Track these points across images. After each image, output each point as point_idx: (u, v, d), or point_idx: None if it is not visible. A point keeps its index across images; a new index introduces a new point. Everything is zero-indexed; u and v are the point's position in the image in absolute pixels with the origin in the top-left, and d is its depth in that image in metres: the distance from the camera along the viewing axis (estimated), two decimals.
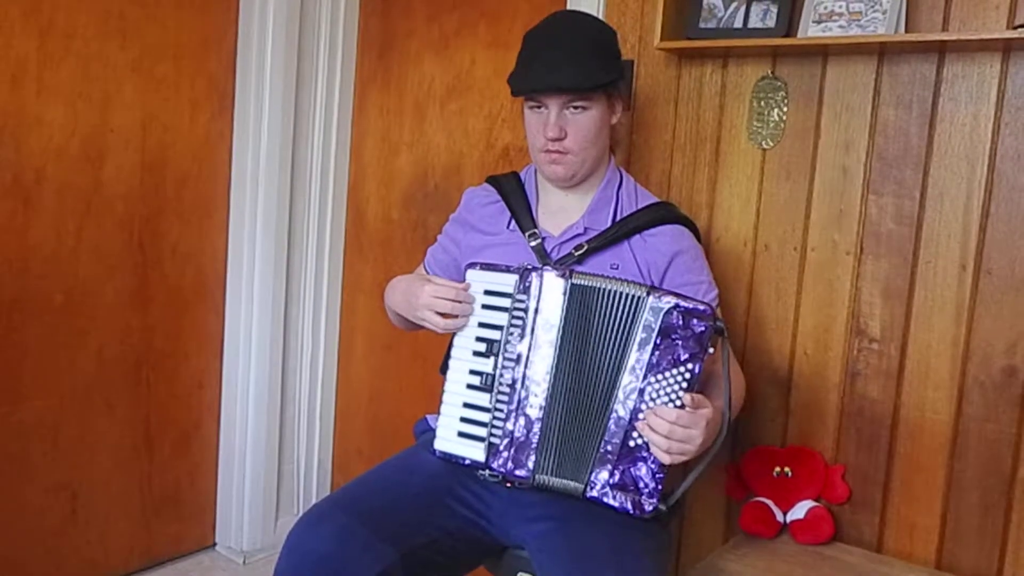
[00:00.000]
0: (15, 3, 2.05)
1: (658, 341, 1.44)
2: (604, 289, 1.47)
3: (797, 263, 1.92)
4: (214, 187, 2.54)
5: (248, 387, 2.64)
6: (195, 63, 2.43)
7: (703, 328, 1.42)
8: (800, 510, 1.85)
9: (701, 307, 1.43)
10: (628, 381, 1.45)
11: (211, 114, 2.50)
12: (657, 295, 1.45)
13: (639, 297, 1.45)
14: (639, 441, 1.45)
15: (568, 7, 2.16)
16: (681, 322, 1.43)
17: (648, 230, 1.64)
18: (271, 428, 2.68)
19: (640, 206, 1.69)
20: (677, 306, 1.43)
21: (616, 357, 1.46)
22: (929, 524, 1.79)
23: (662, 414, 1.41)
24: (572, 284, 1.48)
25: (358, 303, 2.79)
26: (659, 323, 1.43)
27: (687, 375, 1.43)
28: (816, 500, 1.87)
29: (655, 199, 1.73)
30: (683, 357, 1.43)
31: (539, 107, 1.61)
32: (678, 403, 1.43)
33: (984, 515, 1.74)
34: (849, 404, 1.88)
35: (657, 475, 1.44)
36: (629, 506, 1.45)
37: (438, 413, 1.58)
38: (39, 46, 2.10)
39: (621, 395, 1.45)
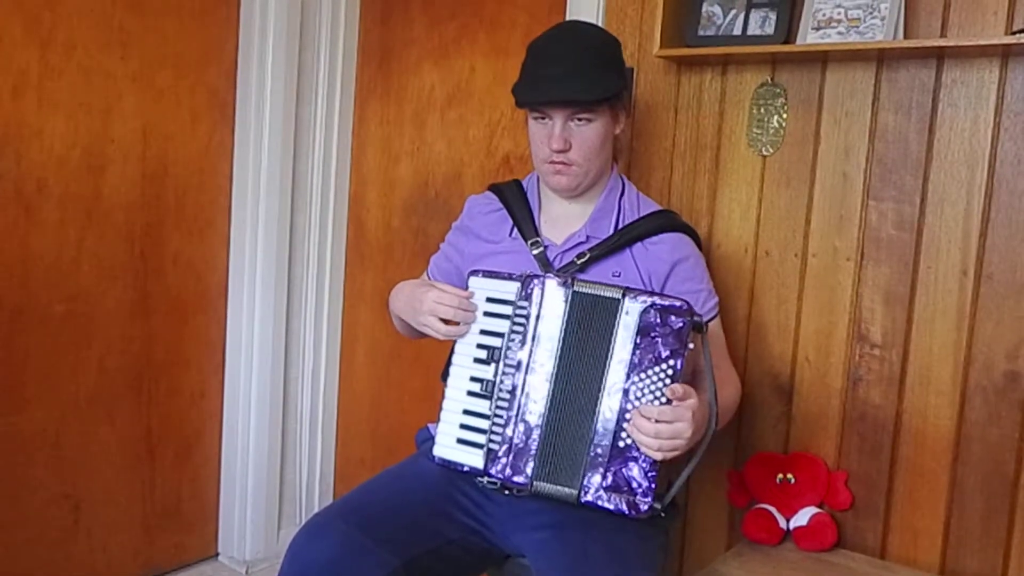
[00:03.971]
0: (16, 15, 2.06)
1: (638, 340, 1.44)
2: (598, 296, 1.48)
3: (798, 269, 1.92)
4: (215, 197, 2.55)
5: (250, 396, 2.64)
6: (195, 74, 2.44)
7: (681, 324, 1.43)
8: (803, 517, 1.85)
9: (677, 303, 1.44)
10: (612, 382, 1.45)
11: (212, 124, 2.50)
12: (632, 295, 1.46)
13: (615, 299, 1.46)
14: (628, 441, 1.44)
15: (568, 15, 2.16)
16: (659, 320, 1.43)
17: (650, 238, 1.65)
18: (273, 437, 2.68)
19: (642, 214, 1.70)
20: (653, 304, 1.44)
21: (600, 359, 1.46)
22: (933, 529, 1.79)
23: (646, 412, 1.41)
24: (574, 292, 1.49)
25: (359, 312, 2.79)
26: (637, 322, 1.44)
27: (669, 371, 1.43)
28: (819, 506, 1.87)
29: (657, 207, 1.73)
30: (664, 354, 1.43)
31: (543, 118, 1.61)
32: (663, 400, 1.43)
33: (988, 520, 1.73)
34: (851, 410, 1.87)
35: (649, 474, 1.44)
36: (624, 507, 1.45)
37: (438, 420, 1.58)
38: (40, 57, 2.11)
39: (606, 396, 1.46)
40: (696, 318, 1.45)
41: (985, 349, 1.73)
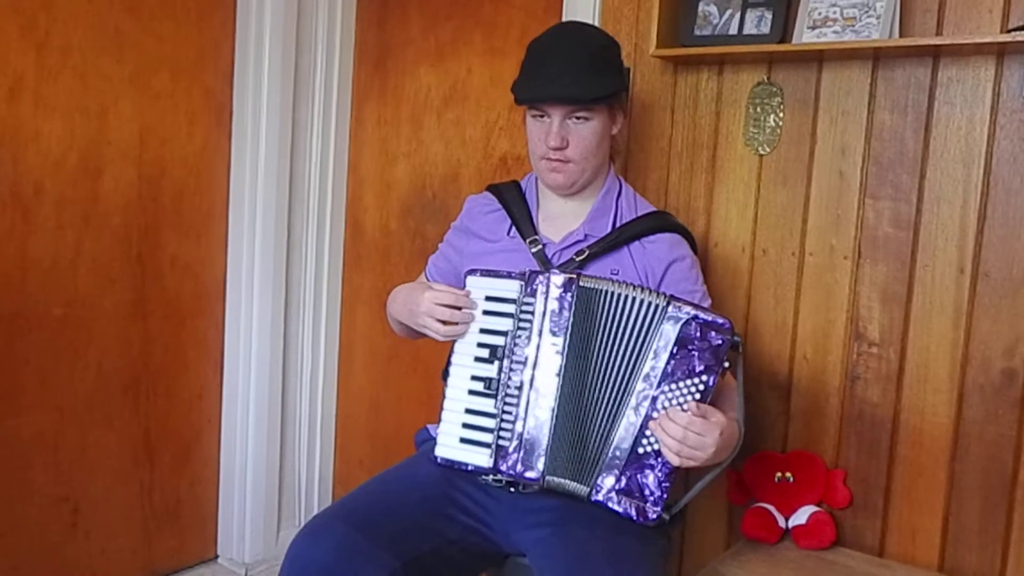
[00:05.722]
0: (12, 18, 2.06)
1: (674, 351, 1.44)
2: (615, 293, 1.48)
3: (795, 268, 1.92)
4: (212, 199, 2.54)
5: (248, 399, 2.64)
6: (192, 76, 2.44)
7: (720, 341, 1.43)
8: (802, 515, 1.85)
9: (720, 320, 1.44)
10: (641, 388, 1.45)
11: (209, 127, 2.50)
12: (677, 305, 1.45)
13: (658, 306, 1.45)
14: (648, 449, 1.45)
15: (564, 16, 2.17)
16: (699, 334, 1.43)
17: (647, 237, 1.66)
18: (272, 439, 2.68)
19: (639, 214, 1.70)
20: (696, 317, 1.44)
21: (630, 363, 1.46)
22: (931, 527, 1.79)
23: (675, 417, 1.41)
24: (580, 287, 1.49)
25: (357, 313, 2.79)
26: (677, 333, 1.44)
27: (701, 386, 1.43)
28: (818, 505, 1.87)
29: (653, 208, 1.74)
30: (698, 369, 1.43)
31: (542, 116, 1.63)
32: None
33: (986, 517, 1.74)
34: (849, 408, 1.88)
35: (663, 484, 1.45)
36: (633, 512, 1.45)
37: (438, 421, 1.58)
38: (36, 60, 2.11)
39: (633, 401, 1.46)
40: (735, 338, 1.44)
41: (982, 347, 1.73)
